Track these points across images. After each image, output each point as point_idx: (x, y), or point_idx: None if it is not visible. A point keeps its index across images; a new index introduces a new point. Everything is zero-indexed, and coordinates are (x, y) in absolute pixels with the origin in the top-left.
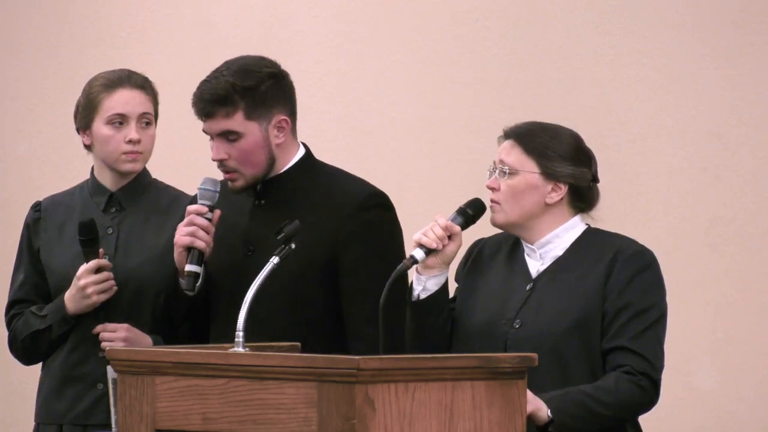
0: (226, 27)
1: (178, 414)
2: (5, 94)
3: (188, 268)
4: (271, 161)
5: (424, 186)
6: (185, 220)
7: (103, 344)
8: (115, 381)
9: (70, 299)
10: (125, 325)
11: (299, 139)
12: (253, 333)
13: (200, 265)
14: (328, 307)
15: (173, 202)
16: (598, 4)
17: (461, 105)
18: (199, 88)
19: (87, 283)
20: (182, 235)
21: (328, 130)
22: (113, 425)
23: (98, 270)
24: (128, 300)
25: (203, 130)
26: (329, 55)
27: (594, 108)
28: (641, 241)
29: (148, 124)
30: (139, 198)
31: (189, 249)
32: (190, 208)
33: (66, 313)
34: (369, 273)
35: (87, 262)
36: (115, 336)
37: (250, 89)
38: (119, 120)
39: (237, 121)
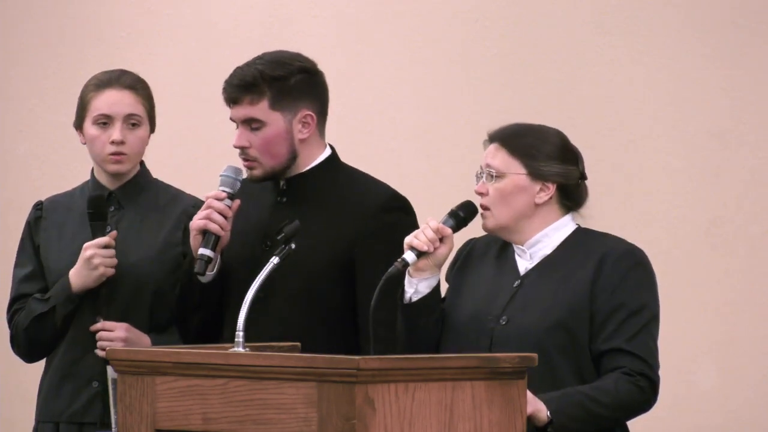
0: (226, 27)
1: (178, 414)
2: (5, 94)
3: (201, 251)
4: (293, 155)
5: (424, 186)
6: (203, 205)
7: (102, 343)
8: (115, 381)
9: (76, 274)
10: (125, 325)
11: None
12: (270, 330)
13: (214, 250)
14: (347, 306)
15: (172, 201)
16: (598, 4)
17: (461, 105)
18: (230, 74)
19: (94, 254)
20: (198, 218)
21: (328, 130)
22: (113, 425)
23: (106, 247)
24: (125, 298)
25: (230, 118)
26: (329, 55)
27: (594, 108)
28: (641, 241)
29: (135, 125)
30: (138, 197)
31: (204, 233)
32: (209, 193)
33: (71, 291)
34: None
35: (94, 236)
36: (114, 335)
37: (278, 79)
38: (104, 120)
39: (261, 110)
